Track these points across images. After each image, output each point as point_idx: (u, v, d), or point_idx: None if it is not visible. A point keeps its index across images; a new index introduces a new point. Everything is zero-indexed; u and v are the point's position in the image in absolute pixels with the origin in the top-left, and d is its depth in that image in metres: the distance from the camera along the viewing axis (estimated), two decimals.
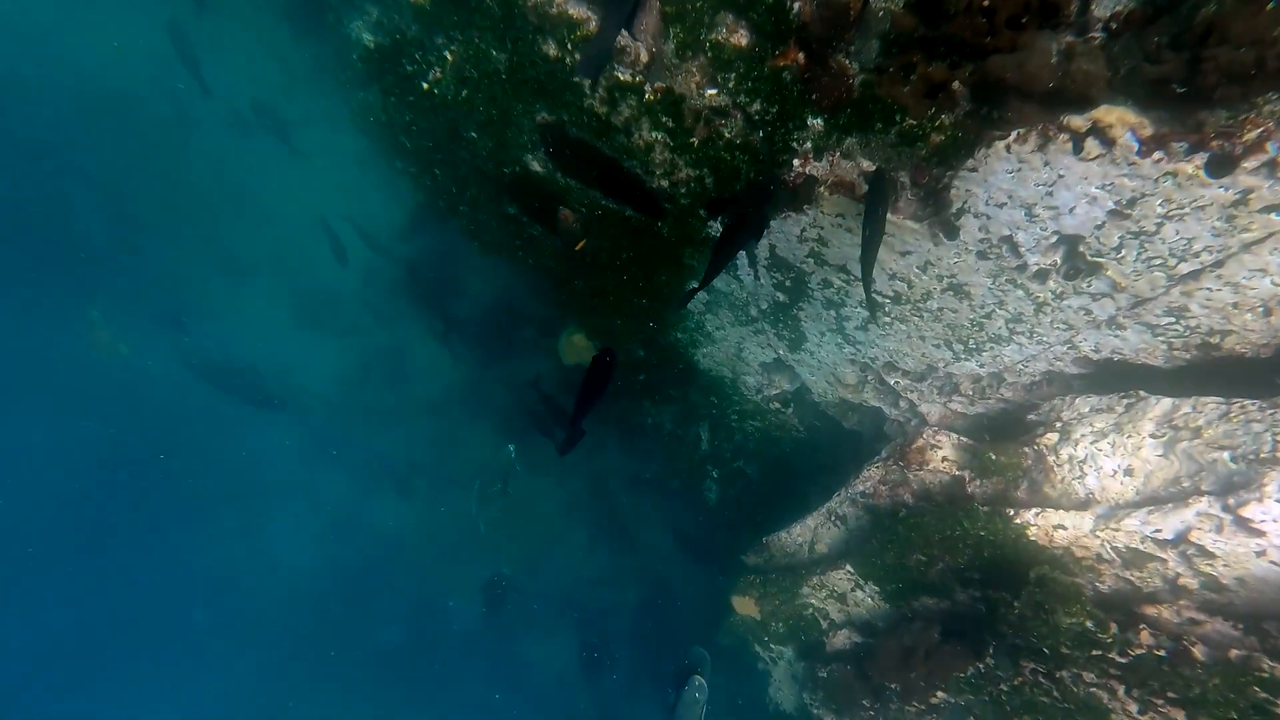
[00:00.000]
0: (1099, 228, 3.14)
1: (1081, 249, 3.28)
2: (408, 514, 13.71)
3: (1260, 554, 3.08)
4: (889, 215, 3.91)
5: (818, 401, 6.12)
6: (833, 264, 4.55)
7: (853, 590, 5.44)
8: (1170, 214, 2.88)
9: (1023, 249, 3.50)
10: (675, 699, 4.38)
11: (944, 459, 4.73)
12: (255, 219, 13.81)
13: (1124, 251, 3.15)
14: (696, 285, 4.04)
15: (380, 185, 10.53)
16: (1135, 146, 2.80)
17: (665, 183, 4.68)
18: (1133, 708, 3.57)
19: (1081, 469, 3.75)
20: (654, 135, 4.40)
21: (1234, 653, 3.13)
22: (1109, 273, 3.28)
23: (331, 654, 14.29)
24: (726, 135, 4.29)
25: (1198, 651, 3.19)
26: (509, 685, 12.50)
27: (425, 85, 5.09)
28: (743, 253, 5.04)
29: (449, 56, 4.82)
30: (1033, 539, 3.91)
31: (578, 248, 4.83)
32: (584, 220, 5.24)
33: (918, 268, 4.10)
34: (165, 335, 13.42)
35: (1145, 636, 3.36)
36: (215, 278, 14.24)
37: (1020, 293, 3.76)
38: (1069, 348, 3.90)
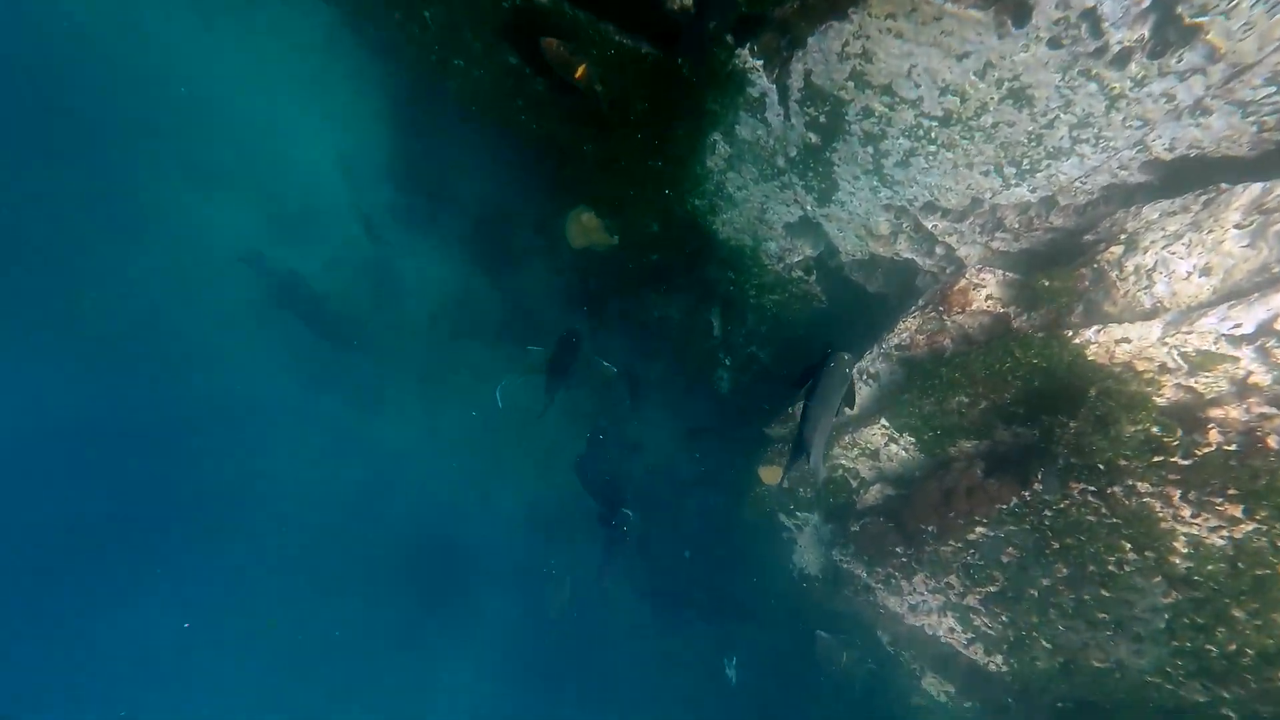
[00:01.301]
0: None
1: (1179, 10, 2.93)
2: (412, 427, 13.56)
3: None
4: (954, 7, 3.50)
5: (844, 262, 5.86)
6: (876, 85, 4.14)
7: (886, 445, 5.39)
8: None
9: (1105, 23, 3.14)
10: (817, 374, 3.68)
11: (988, 298, 4.53)
12: (215, 121, 12.70)
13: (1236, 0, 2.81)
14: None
15: (349, 75, 9.65)
16: None
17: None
18: (1186, 512, 3.56)
19: (1150, 278, 3.56)
20: None
21: None
22: (1209, 36, 2.95)
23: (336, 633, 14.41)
24: None
25: (1272, 441, 3.13)
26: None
27: None
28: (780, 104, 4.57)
29: None
30: (1091, 359, 3.78)
31: (577, 75, 4.36)
32: (579, 52, 4.68)
33: (974, 74, 3.73)
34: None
35: (1214, 435, 3.29)
36: (181, 191, 13.32)
37: (1093, 86, 3.43)
38: (1139, 150, 3.62)
